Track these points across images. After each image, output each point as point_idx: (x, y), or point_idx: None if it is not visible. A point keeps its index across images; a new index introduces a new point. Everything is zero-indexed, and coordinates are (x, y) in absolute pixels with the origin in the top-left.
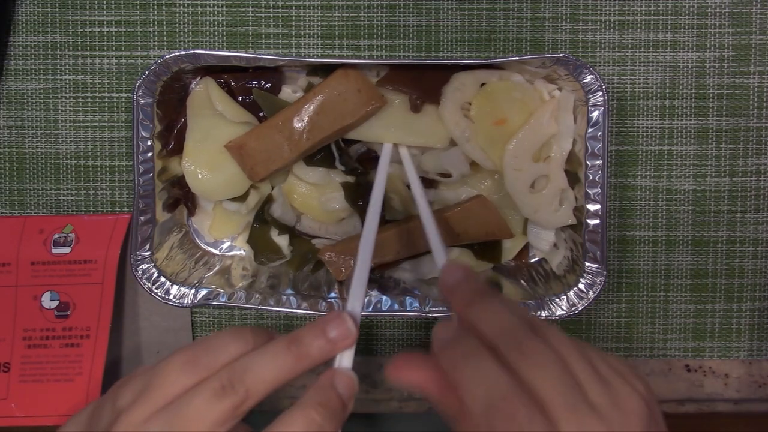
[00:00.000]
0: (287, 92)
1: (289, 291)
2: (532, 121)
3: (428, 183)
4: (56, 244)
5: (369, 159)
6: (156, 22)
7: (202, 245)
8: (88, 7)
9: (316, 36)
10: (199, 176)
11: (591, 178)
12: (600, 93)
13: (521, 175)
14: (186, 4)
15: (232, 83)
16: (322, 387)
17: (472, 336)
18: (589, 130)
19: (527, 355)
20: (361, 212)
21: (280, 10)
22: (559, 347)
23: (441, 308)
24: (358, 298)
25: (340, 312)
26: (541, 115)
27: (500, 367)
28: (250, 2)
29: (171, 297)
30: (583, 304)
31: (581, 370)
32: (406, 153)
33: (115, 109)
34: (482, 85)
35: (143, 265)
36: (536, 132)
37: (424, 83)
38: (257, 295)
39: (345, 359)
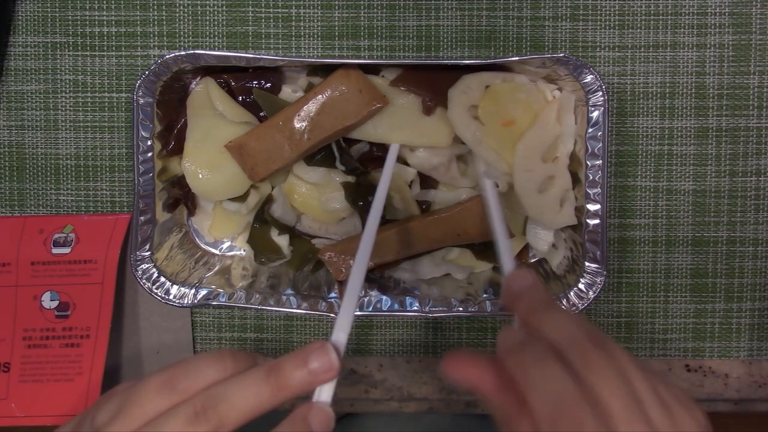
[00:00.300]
0: (287, 92)
1: (289, 291)
2: (539, 121)
3: (428, 183)
4: (56, 244)
5: (371, 158)
6: (156, 22)
7: (202, 245)
8: (88, 7)
9: (316, 36)
10: (200, 176)
11: (591, 178)
12: (600, 93)
13: (532, 176)
14: (186, 4)
15: (232, 83)
16: (294, 420)
17: (540, 342)
18: (589, 130)
19: (592, 365)
20: (362, 212)
21: (280, 10)
22: (623, 363)
23: (441, 308)
24: (344, 329)
25: (324, 342)
26: (547, 115)
27: (568, 374)
28: (250, 2)
29: (171, 297)
30: (583, 304)
31: (643, 389)
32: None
33: (115, 109)
34: (487, 87)
35: (143, 265)
36: (544, 132)
37: (437, 85)
38: (257, 295)
39: (324, 393)
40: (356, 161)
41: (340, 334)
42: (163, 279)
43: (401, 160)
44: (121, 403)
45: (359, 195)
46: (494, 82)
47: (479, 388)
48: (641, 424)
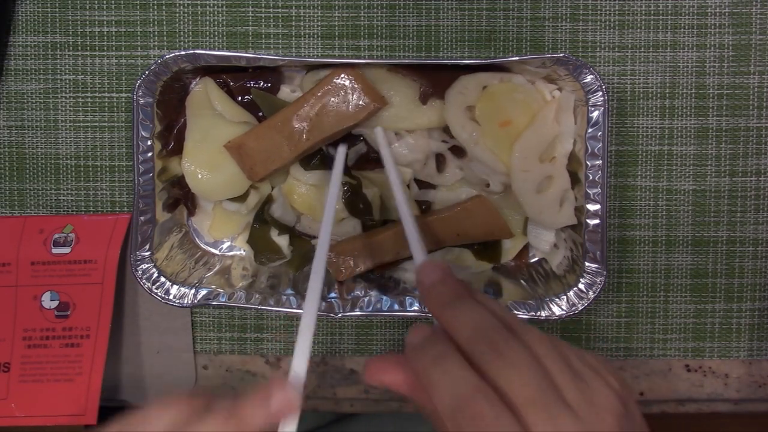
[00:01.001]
0: (286, 91)
1: (289, 291)
2: (536, 121)
3: (427, 184)
4: (56, 244)
5: (368, 160)
6: (156, 22)
7: (202, 245)
8: (88, 7)
9: (316, 36)
10: (199, 176)
11: (591, 178)
12: (600, 93)
13: (529, 176)
14: (186, 4)
15: (231, 83)
16: None
17: (443, 339)
18: (589, 130)
19: (501, 354)
20: (360, 216)
21: (280, 10)
22: (534, 346)
23: None
24: (303, 358)
25: (283, 381)
26: (545, 115)
27: (467, 369)
28: (250, 2)
29: (171, 297)
30: (583, 304)
31: (556, 370)
32: (382, 136)
33: (115, 109)
34: (484, 87)
35: (143, 265)
36: (541, 132)
37: (435, 75)
38: (257, 295)
39: (288, 426)
40: (353, 166)
41: (300, 363)
42: (163, 279)
43: (375, 151)
44: None
45: (358, 200)
46: (491, 83)
47: (396, 390)
48: (551, 407)
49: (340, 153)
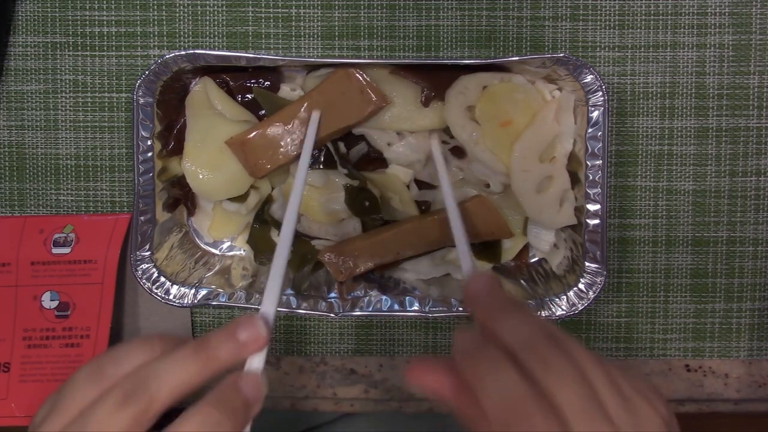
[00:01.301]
0: (286, 90)
1: (289, 291)
2: (536, 121)
3: (428, 184)
4: (56, 244)
5: (370, 160)
6: (156, 22)
7: (202, 245)
8: (88, 7)
9: (316, 36)
10: (200, 176)
11: (591, 178)
12: (600, 93)
13: (529, 176)
14: (186, 4)
15: (231, 83)
16: (223, 387)
17: (494, 345)
18: (589, 130)
19: (548, 365)
20: (361, 217)
21: (280, 10)
22: (581, 361)
23: (441, 308)
24: (272, 299)
25: (251, 315)
26: (545, 115)
27: (520, 376)
28: (250, 2)
29: (171, 297)
30: (583, 304)
31: (601, 384)
32: (437, 147)
33: (115, 109)
34: (485, 87)
35: (143, 265)
36: (541, 132)
37: (437, 78)
38: (257, 295)
39: (255, 362)
40: (354, 166)
41: (269, 305)
42: (163, 279)
43: (377, 151)
44: (54, 400)
45: (358, 200)
46: (492, 83)
47: (441, 396)
48: (599, 422)
49: (314, 119)
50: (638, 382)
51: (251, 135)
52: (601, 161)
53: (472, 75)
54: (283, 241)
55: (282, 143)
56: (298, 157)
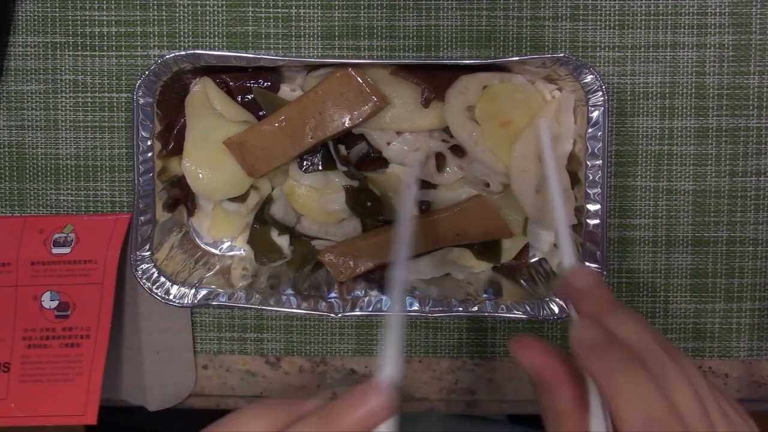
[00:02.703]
0: (286, 91)
1: (289, 291)
2: (535, 121)
3: (428, 184)
4: (56, 244)
5: (370, 160)
6: (156, 22)
7: (202, 245)
8: (88, 7)
9: (316, 36)
10: (200, 176)
11: (591, 178)
12: (600, 93)
13: (528, 176)
14: (186, 4)
15: (231, 83)
16: None
17: (619, 344)
18: (589, 130)
19: (668, 377)
20: (363, 217)
21: (280, 10)
22: (693, 377)
23: (441, 308)
24: (393, 362)
25: (376, 383)
26: (544, 115)
27: (656, 388)
28: (250, 2)
29: (171, 297)
30: None
31: (710, 403)
32: (546, 132)
33: (115, 109)
34: (485, 87)
35: (143, 265)
36: (535, 136)
37: (437, 79)
38: (257, 295)
39: (384, 428)
40: (354, 166)
41: (391, 368)
42: (163, 279)
43: (377, 151)
44: None
45: (360, 200)
46: (492, 83)
47: (545, 378)
48: None
49: (411, 185)
50: (733, 401)
51: (249, 135)
52: (601, 161)
53: (472, 75)
54: (396, 302)
55: (280, 145)
56: (296, 157)
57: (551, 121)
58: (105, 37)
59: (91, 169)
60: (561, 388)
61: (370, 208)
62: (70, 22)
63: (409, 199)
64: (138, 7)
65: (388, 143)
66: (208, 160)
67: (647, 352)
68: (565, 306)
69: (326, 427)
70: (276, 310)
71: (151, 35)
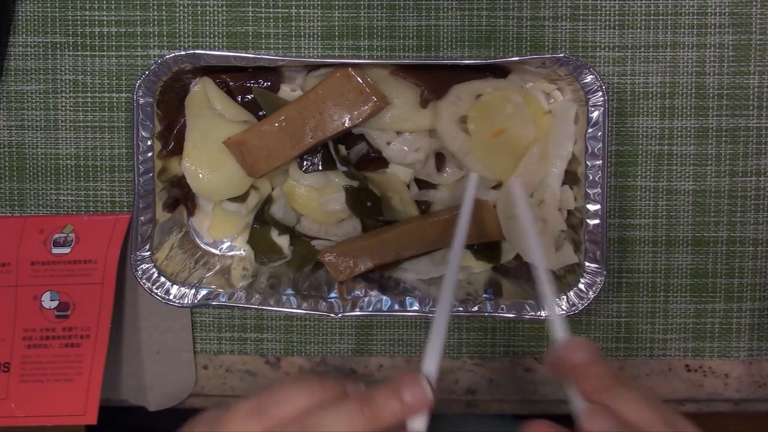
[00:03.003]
0: (286, 91)
1: (289, 291)
2: (521, 164)
3: (428, 184)
4: (56, 244)
5: (369, 161)
6: (156, 22)
7: (202, 245)
8: (88, 7)
9: (316, 36)
10: (200, 176)
11: (591, 178)
12: (600, 93)
13: (514, 222)
14: (186, 4)
15: (231, 83)
16: None
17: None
18: (589, 130)
19: None
20: (362, 217)
21: (280, 10)
22: None
23: None
24: (434, 360)
25: (416, 374)
26: (529, 159)
27: None
28: (250, 2)
29: (171, 297)
30: (583, 304)
31: None
32: (519, 189)
33: (115, 109)
34: (478, 96)
35: (143, 265)
36: (527, 173)
37: (437, 79)
38: (257, 295)
39: (417, 423)
40: (354, 166)
41: (431, 365)
42: (163, 279)
43: (377, 151)
44: (212, 429)
45: (360, 200)
46: (485, 91)
47: None
48: None
49: (472, 180)
50: None
51: (249, 135)
52: (601, 161)
53: (465, 84)
54: (444, 300)
55: (280, 145)
56: (296, 157)
57: (523, 182)
58: (105, 37)
59: (91, 169)
60: None
61: (370, 208)
62: (70, 22)
63: (469, 199)
64: (138, 7)
65: (388, 143)
66: (208, 160)
67: (650, 425)
68: (556, 378)
69: (366, 410)
70: (276, 310)
71: (151, 35)
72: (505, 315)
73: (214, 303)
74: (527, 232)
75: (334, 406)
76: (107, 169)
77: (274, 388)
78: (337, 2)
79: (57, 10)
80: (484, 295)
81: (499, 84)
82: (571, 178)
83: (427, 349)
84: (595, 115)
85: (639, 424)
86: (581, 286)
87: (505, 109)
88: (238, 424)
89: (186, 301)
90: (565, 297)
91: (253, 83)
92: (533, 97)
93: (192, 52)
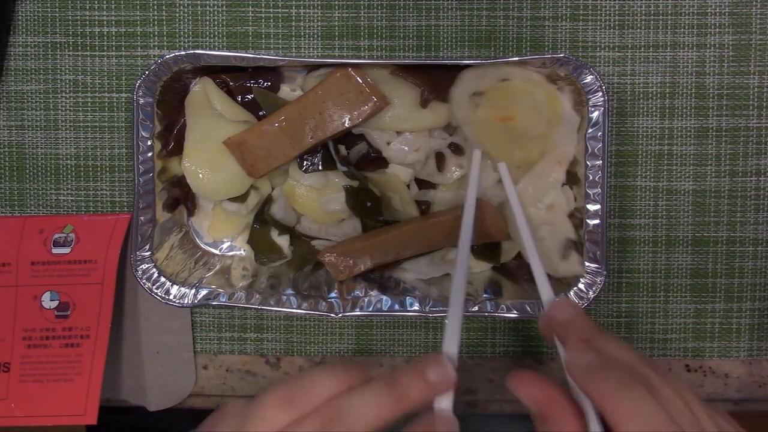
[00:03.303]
0: (286, 91)
1: (289, 291)
2: (536, 168)
3: (428, 184)
4: (56, 244)
5: (369, 160)
6: (156, 22)
7: (202, 245)
8: (88, 7)
9: (316, 36)
10: (200, 176)
11: (591, 178)
12: (600, 93)
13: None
14: (186, 4)
15: (231, 83)
16: (421, 424)
17: (613, 365)
18: (589, 130)
19: (656, 390)
20: (363, 217)
21: (280, 10)
22: (683, 393)
23: (441, 308)
24: (454, 339)
25: (438, 354)
26: (544, 167)
27: (657, 403)
28: (250, 2)
29: (171, 297)
30: (583, 304)
31: (700, 413)
32: (505, 172)
33: (115, 109)
34: (503, 80)
35: (143, 265)
36: (539, 179)
37: (437, 79)
38: (257, 295)
39: (444, 401)
40: (354, 166)
41: (452, 345)
42: (163, 279)
43: (377, 151)
44: (242, 420)
45: (360, 200)
46: (513, 78)
47: (545, 410)
48: None
49: (476, 158)
50: (722, 413)
51: (249, 135)
52: (601, 161)
53: (496, 66)
54: (459, 284)
55: (280, 145)
56: (296, 157)
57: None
58: (105, 37)
59: (91, 169)
60: (561, 419)
61: (370, 208)
62: (70, 22)
63: (473, 184)
64: (138, 7)
65: (388, 143)
66: (208, 160)
67: (638, 371)
68: (549, 341)
69: (393, 391)
70: (276, 310)
71: (151, 35)
72: (505, 315)
73: (214, 303)
74: (514, 208)
75: (361, 390)
76: (107, 169)
77: (301, 376)
78: (337, 2)
79: (57, 10)
80: (484, 295)
81: (529, 75)
82: (571, 178)
83: (446, 331)
84: (595, 115)
85: (620, 360)
86: (581, 286)
87: (524, 101)
88: (270, 416)
89: (186, 301)
90: (565, 297)
91: (253, 83)
92: (558, 98)
93: (192, 52)
